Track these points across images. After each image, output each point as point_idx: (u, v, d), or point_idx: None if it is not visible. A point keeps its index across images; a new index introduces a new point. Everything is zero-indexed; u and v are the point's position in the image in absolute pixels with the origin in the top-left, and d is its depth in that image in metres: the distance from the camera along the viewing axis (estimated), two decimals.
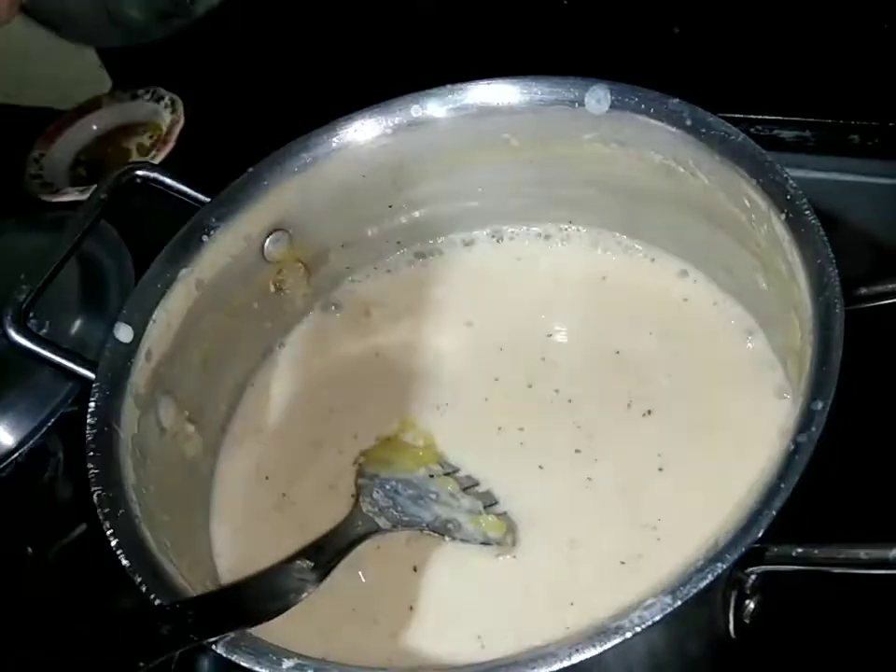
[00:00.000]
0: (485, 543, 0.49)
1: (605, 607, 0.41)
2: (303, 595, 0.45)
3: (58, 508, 0.66)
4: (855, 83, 0.70)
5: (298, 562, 0.46)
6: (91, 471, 0.45)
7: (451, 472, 0.53)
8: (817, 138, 0.71)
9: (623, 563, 0.47)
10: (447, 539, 0.50)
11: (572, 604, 0.46)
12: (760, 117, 0.71)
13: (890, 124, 0.69)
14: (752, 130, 0.70)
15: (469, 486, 0.52)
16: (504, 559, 0.49)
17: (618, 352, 0.55)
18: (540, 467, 0.52)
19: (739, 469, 0.47)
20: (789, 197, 0.46)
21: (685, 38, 0.78)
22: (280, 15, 0.83)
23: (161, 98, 0.82)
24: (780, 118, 0.71)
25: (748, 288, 0.53)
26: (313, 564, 0.46)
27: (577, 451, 0.52)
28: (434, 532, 0.50)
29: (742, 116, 0.69)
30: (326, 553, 0.48)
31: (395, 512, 0.50)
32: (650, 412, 0.52)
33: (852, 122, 0.70)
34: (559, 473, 0.52)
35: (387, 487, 0.51)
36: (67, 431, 0.63)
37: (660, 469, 0.50)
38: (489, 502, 0.51)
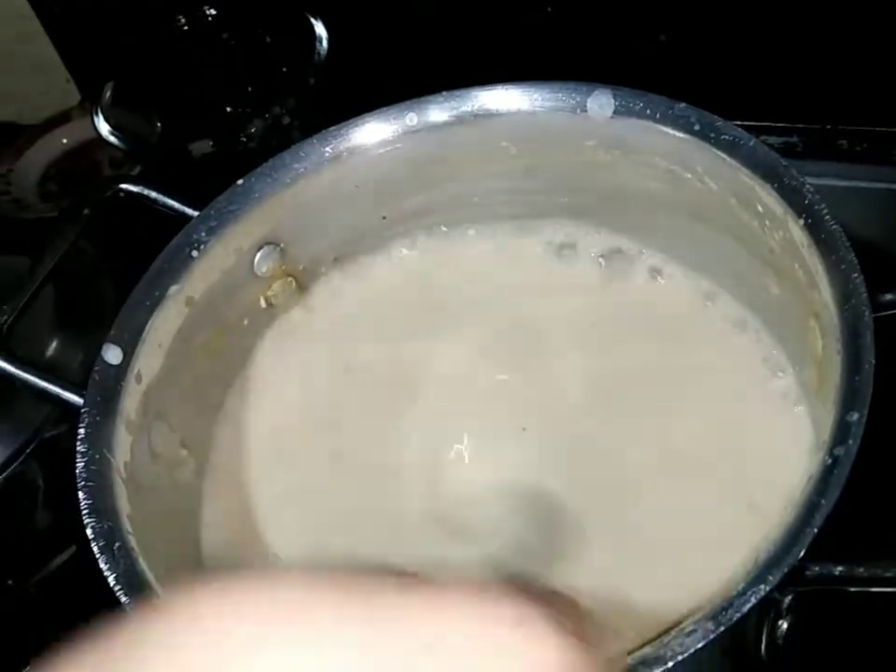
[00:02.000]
0: None
1: None
2: None
3: (38, 537, 0.63)
4: (842, 87, 0.70)
5: None
6: (84, 502, 0.42)
7: None
8: (805, 144, 0.70)
9: None
10: None
11: None
12: (747, 123, 0.69)
13: (879, 128, 0.69)
14: None
15: None
16: None
17: (629, 367, 0.53)
18: None
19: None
20: (807, 202, 0.44)
21: (671, 46, 0.77)
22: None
23: None
24: (768, 124, 0.70)
25: (757, 293, 0.52)
26: None
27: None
28: None
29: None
30: None
31: None
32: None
33: (840, 127, 0.69)
34: None
35: None
36: (47, 457, 0.60)
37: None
38: None
